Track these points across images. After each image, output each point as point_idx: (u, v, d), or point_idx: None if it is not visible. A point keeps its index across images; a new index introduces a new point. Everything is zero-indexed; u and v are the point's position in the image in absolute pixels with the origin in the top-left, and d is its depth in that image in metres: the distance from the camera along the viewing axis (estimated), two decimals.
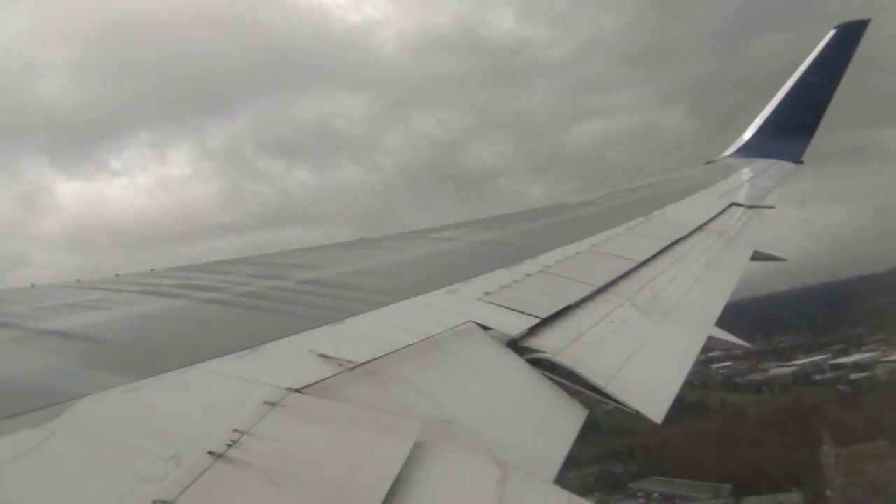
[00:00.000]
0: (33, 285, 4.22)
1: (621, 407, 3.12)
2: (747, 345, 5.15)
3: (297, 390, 2.39)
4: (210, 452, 1.89)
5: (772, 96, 16.01)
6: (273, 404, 2.25)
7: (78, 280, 4.34)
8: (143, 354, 2.80)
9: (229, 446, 1.94)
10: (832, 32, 15.96)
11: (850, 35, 15.71)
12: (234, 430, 2.03)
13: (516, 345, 3.41)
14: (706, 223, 8.23)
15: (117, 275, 4.55)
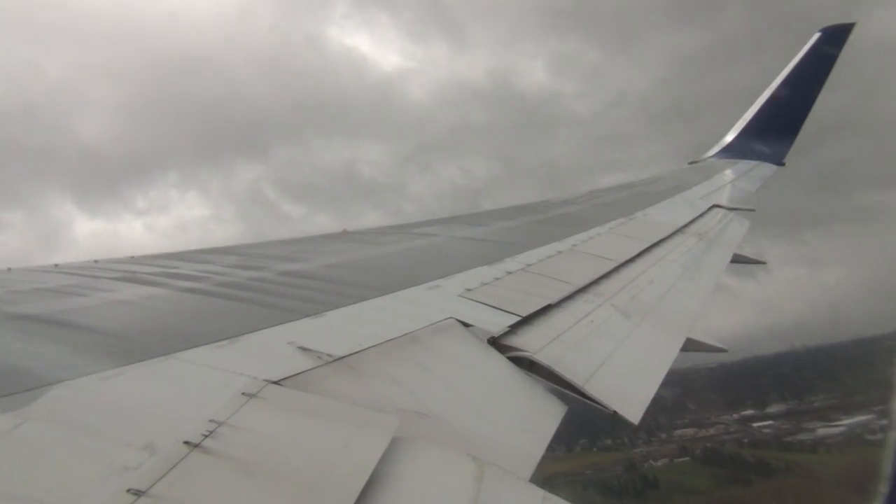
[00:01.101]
0: (9, 269, 4.16)
1: (598, 407, 3.14)
2: (725, 348, 5.19)
3: (276, 382, 2.38)
4: (186, 442, 1.88)
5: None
6: (251, 395, 2.24)
7: (55, 265, 4.28)
8: (120, 342, 2.77)
9: (205, 436, 1.93)
10: (817, 35, 16.03)
11: (834, 38, 15.79)
12: (211, 421, 2.02)
13: (496, 342, 3.43)
14: (687, 225, 8.29)
15: (96, 261, 4.50)
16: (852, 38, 15.61)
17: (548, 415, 2.98)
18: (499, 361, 3.30)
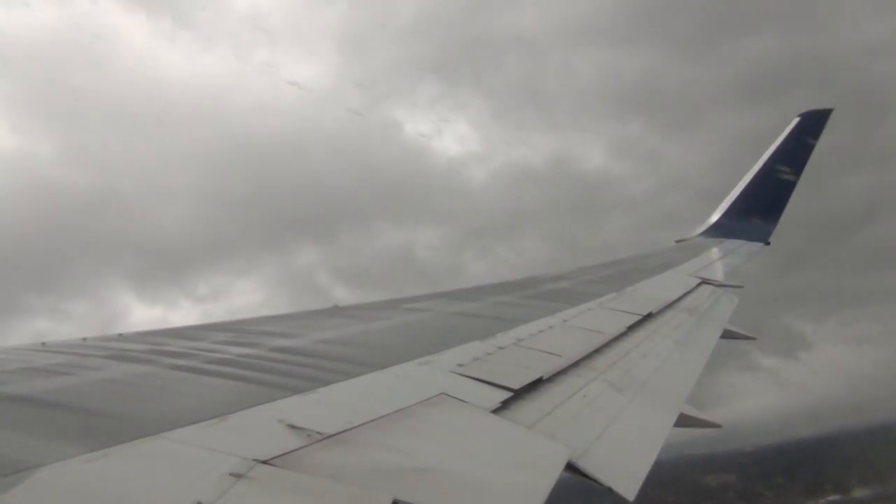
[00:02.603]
0: None
1: (593, 483, 3.09)
2: (719, 424, 5.15)
3: (265, 461, 2.34)
4: None
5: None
6: (239, 476, 2.19)
7: (43, 343, 4.24)
8: (106, 422, 2.72)
9: None
10: (796, 120, 16.67)
11: (813, 123, 16.41)
12: (199, 503, 1.97)
13: None
14: (677, 300, 8.34)
15: (84, 339, 4.46)
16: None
17: (550, 458, 3.01)
18: (494, 418, 3.31)
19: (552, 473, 2.81)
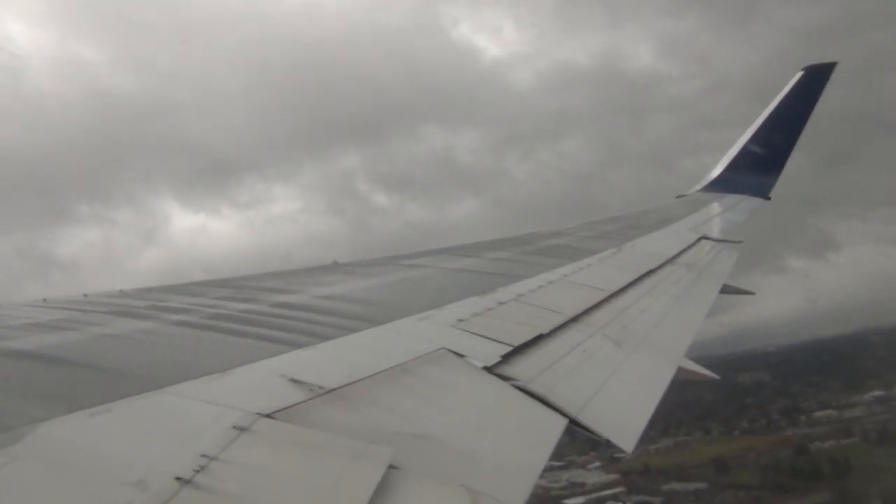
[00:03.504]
0: None
1: (592, 435, 3.14)
2: (716, 377, 5.20)
3: (267, 415, 2.36)
4: (177, 478, 1.86)
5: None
6: (242, 429, 2.22)
7: (44, 299, 4.25)
8: (109, 377, 2.75)
9: (197, 472, 1.91)
10: (799, 74, 16.46)
11: (816, 77, 16.21)
12: (202, 456, 2.00)
13: (489, 372, 3.42)
14: (676, 256, 8.35)
15: (85, 295, 4.47)
16: None
17: (547, 426, 3.01)
18: (493, 382, 3.31)
19: (548, 445, 2.82)
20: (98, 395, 2.35)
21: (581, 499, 60.91)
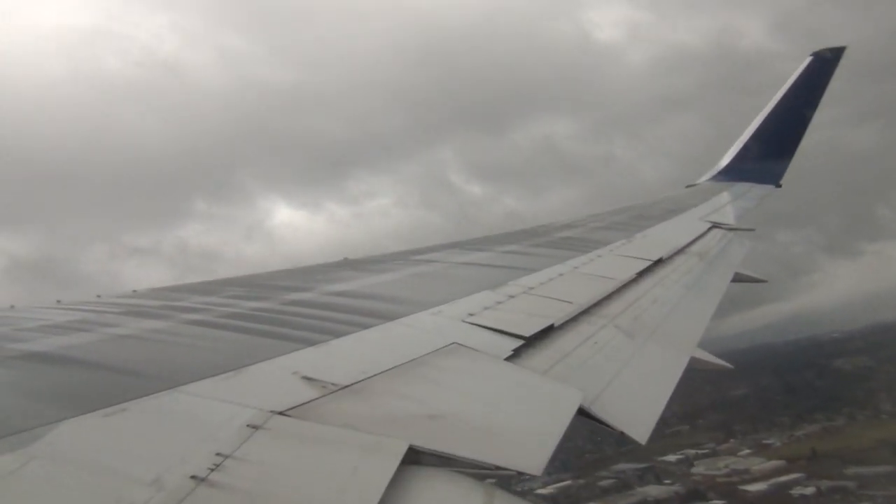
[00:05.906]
0: (12, 306, 4.16)
1: (605, 427, 3.13)
2: (729, 366, 5.18)
3: (281, 413, 2.38)
4: (192, 476, 1.87)
5: None
6: (256, 427, 2.23)
7: (58, 301, 4.28)
8: (124, 377, 2.77)
9: (212, 470, 1.92)
10: (808, 60, 16.31)
11: (825, 62, 16.06)
12: (217, 454, 2.01)
13: None
14: (687, 245, 8.31)
15: (98, 295, 4.50)
16: None
17: (563, 400, 3.05)
18: (506, 365, 3.35)
19: (565, 417, 2.85)
20: (113, 395, 2.37)
21: (762, 484, 58.08)
